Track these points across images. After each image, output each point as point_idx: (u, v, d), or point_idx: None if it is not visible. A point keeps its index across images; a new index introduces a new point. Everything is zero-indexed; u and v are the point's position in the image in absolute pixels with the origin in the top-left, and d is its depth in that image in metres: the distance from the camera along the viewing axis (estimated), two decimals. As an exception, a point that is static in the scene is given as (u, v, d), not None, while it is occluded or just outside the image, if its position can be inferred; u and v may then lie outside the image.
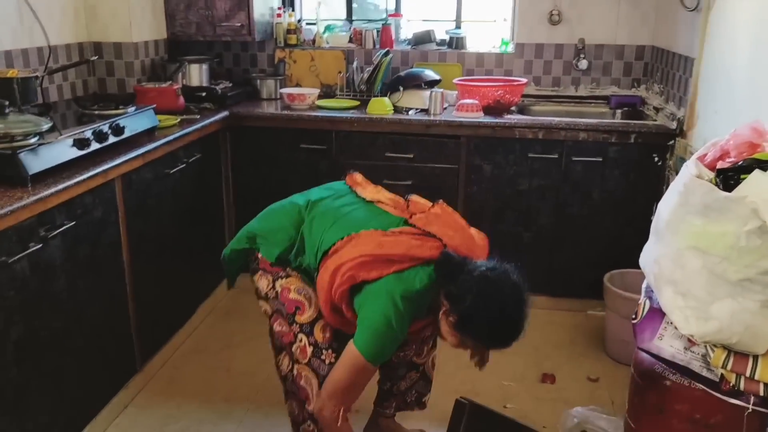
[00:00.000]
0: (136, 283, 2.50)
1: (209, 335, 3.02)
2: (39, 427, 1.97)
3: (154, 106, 2.72)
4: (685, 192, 1.65)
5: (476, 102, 3.16)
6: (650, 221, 3.08)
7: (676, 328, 1.70)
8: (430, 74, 3.39)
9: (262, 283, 2.01)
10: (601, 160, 3.05)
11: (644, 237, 3.11)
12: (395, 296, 1.73)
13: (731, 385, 1.62)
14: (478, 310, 1.72)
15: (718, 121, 2.51)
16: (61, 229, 2.02)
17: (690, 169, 1.66)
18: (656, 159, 3.01)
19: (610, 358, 2.87)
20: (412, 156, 3.16)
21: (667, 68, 3.20)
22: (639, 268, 2.86)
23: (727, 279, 1.55)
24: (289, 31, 3.66)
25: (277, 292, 1.97)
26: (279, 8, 3.67)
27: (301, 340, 1.92)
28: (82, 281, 2.16)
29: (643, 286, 1.91)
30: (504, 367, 2.79)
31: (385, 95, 3.32)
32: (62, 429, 2.08)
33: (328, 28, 3.79)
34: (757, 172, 1.53)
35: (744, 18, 2.32)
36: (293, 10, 3.78)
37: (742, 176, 1.55)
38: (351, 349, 1.76)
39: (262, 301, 2.05)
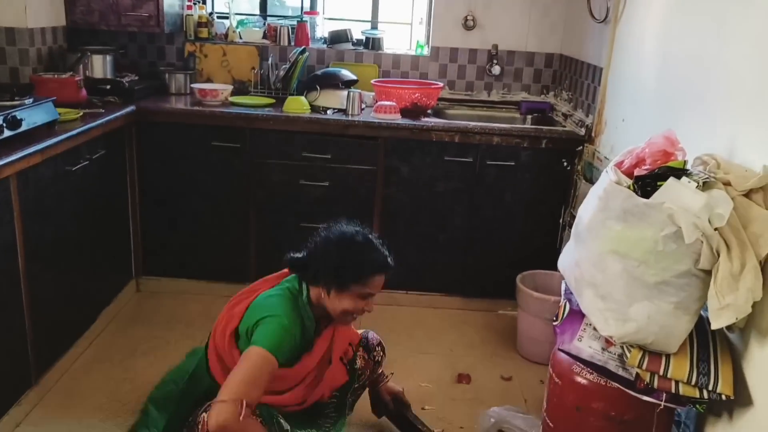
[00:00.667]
0: (33, 289, 2.31)
1: (112, 343, 2.84)
2: None
3: (54, 98, 2.53)
4: (605, 197, 1.70)
5: (394, 104, 3.15)
6: (558, 224, 3.23)
7: (595, 329, 1.76)
8: (347, 74, 3.36)
9: None
10: (513, 164, 3.12)
11: (553, 239, 3.25)
12: (269, 296, 1.89)
13: (645, 383, 1.70)
14: (338, 256, 1.88)
15: (626, 128, 2.63)
16: (-52, 232, 1.83)
17: (609, 175, 1.72)
18: (565, 164, 3.12)
19: (521, 356, 2.95)
20: (329, 156, 3.12)
21: (576, 76, 3.33)
22: (549, 269, 2.97)
23: (644, 282, 1.61)
24: (200, 24, 3.52)
25: None
26: (189, 0, 3.52)
27: None
28: (-29, 288, 1.97)
29: (563, 288, 1.96)
30: (420, 368, 2.80)
31: (301, 94, 3.25)
32: (-52, 451, 1.89)
33: (241, 23, 3.67)
34: (671, 180, 1.60)
35: (651, 31, 2.44)
36: (204, 3, 3.63)
37: (658, 183, 1.62)
38: (248, 349, 1.77)
39: None
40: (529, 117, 3.54)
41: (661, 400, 1.71)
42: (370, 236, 1.99)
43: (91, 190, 2.71)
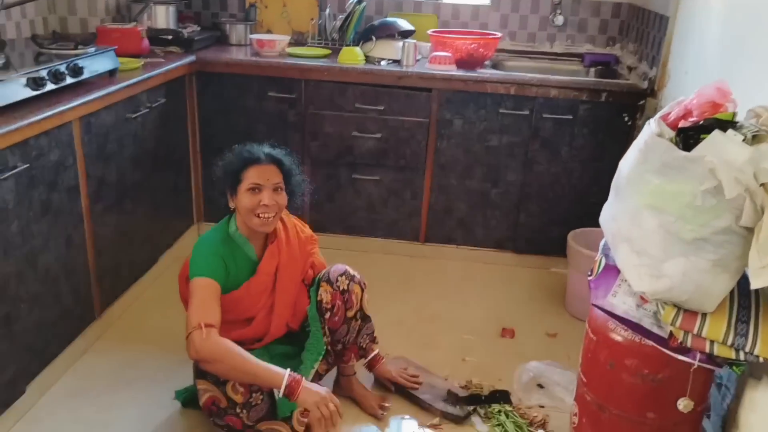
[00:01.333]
0: (96, 229, 2.46)
1: (171, 284, 2.96)
2: (-9, 371, 1.95)
3: (116, 47, 2.63)
4: (645, 150, 1.64)
5: (449, 55, 3.11)
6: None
7: (629, 285, 1.72)
8: (404, 24, 3.32)
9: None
10: (571, 117, 3.04)
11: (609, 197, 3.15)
12: (204, 234, 2.09)
13: (679, 341, 1.66)
14: (220, 167, 2.06)
15: (688, 81, 2.51)
16: (13, 172, 1.96)
17: (651, 127, 1.65)
18: (626, 119, 3.01)
19: (569, 314, 2.92)
20: (382, 108, 3.12)
21: (643, 27, 3.17)
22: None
23: (681, 238, 1.56)
24: (260, -25, 3.55)
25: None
26: (250, -50, 3.54)
27: (242, 411, 1.90)
28: (36, 226, 2.11)
29: (601, 243, 1.92)
30: (465, 321, 2.82)
31: (357, 45, 3.25)
32: (14, 375, 2.06)
33: (300, -27, 3.67)
34: (716, 133, 1.53)
35: (718, -23, 2.29)
36: (265, -47, 3.65)
37: (702, 136, 1.55)
38: (189, 284, 1.91)
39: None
40: (593, 70, 3.41)
41: (695, 360, 1.66)
42: (250, 144, 2.06)
43: (151, 137, 2.83)
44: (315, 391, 1.82)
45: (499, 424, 2.19)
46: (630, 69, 3.20)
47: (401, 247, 3.37)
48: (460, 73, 3.05)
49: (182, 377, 2.30)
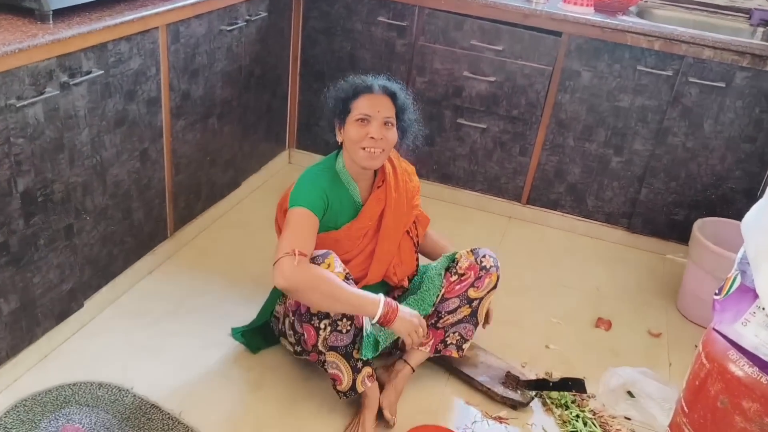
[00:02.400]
0: (175, 146, 2.34)
1: (252, 211, 2.87)
2: (46, 282, 1.88)
3: (218, -50, 2.42)
4: (825, 150, 1.25)
5: (588, -5, 2.68)
6: (767, 170, 2.65)
7: None
8: (541, -46, 2.89)
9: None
10: (723, 85, 2.56)
11: (754, 186, 2.68)
12: (310, 167, 1.94)
13: (822, 399, 1.31)
14: (331, 94, 1.92)
15: None
16: (86, 77, 1.83)
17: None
18: (793, 95, 2.50)
19: (680, 313, 2.54)
20: (501, 48, 2.76)
21: (837, -17, 2.58)
22: (737, 218, 2.47)
23: None
24: None
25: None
26: None
27: (325, 328, 1.75)
28: (108, 136, 2.00)
29: (738, 255, 1.55)
30: (556, 302, 2.52)
31: (484, -27, 2.87)
32: (74, 288, 2.00)
33: None
34: None
35: None
36: None
37: None
38: (287, 214, 1.80)
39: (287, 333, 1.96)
40: (760, 30, 2.86)
41: (840, 423, 1.31)
42: (367, 74, 1.94)
43: (247, 53, 2.64)
44: (408, 320, 1.75)
45: (574, 431, 1.92)
46: (810, 34, 2.64)
47: (500, 205, 3.06)
48: (598, 18, 2.62)
49: (246, 314, 2.18)
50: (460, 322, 2.00)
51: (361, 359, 1.79)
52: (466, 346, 2.02)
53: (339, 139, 1.89)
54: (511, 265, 2.71)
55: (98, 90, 1.91)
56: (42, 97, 1.70)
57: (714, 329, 1.49)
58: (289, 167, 3.27)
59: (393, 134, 1.84)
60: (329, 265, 1.74)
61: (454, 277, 1.99)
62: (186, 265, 2.46)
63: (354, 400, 1.88)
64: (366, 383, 1.81)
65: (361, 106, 1.81)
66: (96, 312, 2.14)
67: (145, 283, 2.33)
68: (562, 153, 2.88)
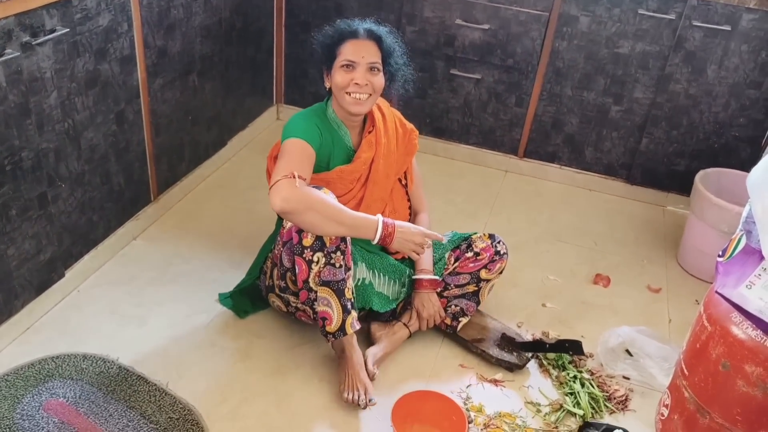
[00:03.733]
0: (154, 106, 2.23)
1: (240, 170, 2.78)
2: (22, 254, 1.81)
3: None
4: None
5: (586, -66, 2.52)
6: (773, 117, 2.54)
7: (774, 279, 1.30)
8: None
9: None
10: (728, 29, 2.43)
11: (759, 135, 2.58)
12: (295, 114, 1.84)
13: (829, 365, 1.25)
14: (318, 39, 1.82)
15: None
16: (49, 36, 1.72)
17: None
18: (802, 37, 2.37)
19: (680, 267, 2.48)
20: (494, -6, 2.62)
21: None
22: (740, 169, 2.39)
23: None
24: None
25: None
26: None
27: (318, 261, 1.70)
28: (81, 98, 1.89)
29: (744, 214, 1.47)
30: (553, 258, 2.45)
31: None
32: (53, 257, 1.93)
33: None
34: None
35: None
36: None
37: None
38: (281, 146, 1.74)
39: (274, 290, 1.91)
40: (769, -32, 2.71)
41: None
42: (354, 19, 1.86)
43: (227, 5, 2.51)
44: (410, 235, 1.71)
45: (571, 393, 1.88)
46: (821, -29, 2.50)
47: (496, 159, 2.97)
48: (597, -42, 2.48)
49: (234, 279, 2.11)
50: (464, 296, 2.00)
51: (351, 301, 1.74)
52: (463, 319, 2.00)
53: (327, 84, 1.83)
54: (506, 220, 2.65)
55: (65, 49, 1.79)
56: (1, 59, 1.59)
57: (717, 293, 1.43)
58: (277, 123, 3.17)
59: (379, 79, 1.78)
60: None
61: (470, 254, 1.99)
62: (172, 229, 2.38)
63: (339, 352, 1.82)
64: (355, 325, 1.75)
65: (345, 51, 1.75)
66: (78, 281, 2.07)
67: (129, 249, 2.26)
68: (560, 103, 2.77)
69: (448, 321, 1.99)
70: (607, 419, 1.82)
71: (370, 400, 1.76)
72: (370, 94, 1.77)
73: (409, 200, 2.05)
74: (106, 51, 1.95)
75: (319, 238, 1.67)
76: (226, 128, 2.77)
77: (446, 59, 2.81)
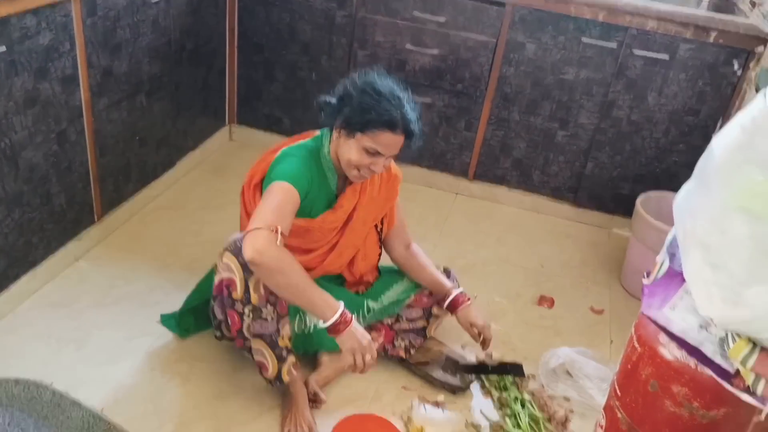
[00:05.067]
0: (98, 126, 2.21)
1: (190, 191, 2.76)
2: (-47, 275, 1.77)
3: None
4: (751, 130, 1.20)
5: (531, -36, 2.59)
6: (710, 141, 2.63)
7: (694, 300, 1.34)
8: None
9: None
10: (667, 58, 2.52)
11: (697, 160, 2.66)
12: (290, 147, 1.79)
13: (746, 385, 1.28)
14: (352, 97, 1.69)
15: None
16: (-15, 55, 1.70)
17: (767, 100, 1.20)
18: (735, 67, 2.47)
19: (624, 289, 2.53)
20: (443, 20, 2.67)
21: (780, -48, 2.54)
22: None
23: (777, 259, 1.15)
24: None
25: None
26: None
27: (249, 315, 1.68)
28: (18, 118, 1.87)
29: (668, 238, 1.51)
30: (500, 280, 2.48)
31: (426, -60, 2.76)
32: (-10, 277, 1.89)
33: None
34: None
35: None
36: None
37: (838, 124, 1.10)
38: (267, 188, 1.68)
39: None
40: (706, 1, 2.82)
41: (765, 407, 1.29)
42: (396, 91, 1.72)
43: (177, 27, 2.51)
44: (358, 338, 1.62)
45: (513, 415, 1.89)
46: (754, 5, 2.60)
47: (447, 181, 3.00)
48: (541, -13, 2.55)
49: (177, 302, 2.08)
50: (412, 331, 2.01)
51: (287, 348, 1.73)
52: (412, 351, 2.01)
53: (335, 136, 1.75)
54: (456, 241, 2.68)
55: (1, 68, 1.77)
56: (-67, 77, 1.57)
57: (643, 313, 1.46)
58: (230, 144, 3.16)
59: (390, 162, 1.80)
60: None
61: (426, 290, 2.02)
62: (116, 251, 2.35)
63: (282, 391, 1.81)
64: (292, 372, 1.75)
65: (378, 140, 1.67)
66: (14, 304, 2.02)
67: (70, 271, 2.21)
68: (508, 127, 2.82)
69: (402, 354, 2.00)
70: (547, 440, 1.84)
71: None
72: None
73: (380, 246, 2.04)
74: (47, 70, 1.93)
75: (246, 292, 1.65)
76: (176, 149, 2.75)
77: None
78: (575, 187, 2.87)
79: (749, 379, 1.26)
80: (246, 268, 1.63)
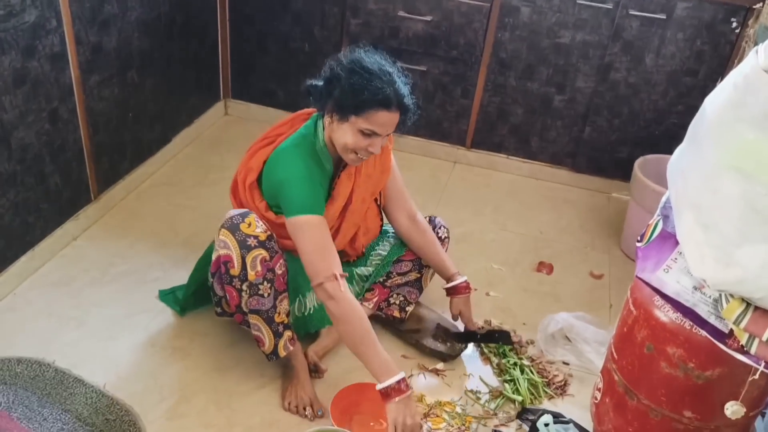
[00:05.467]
0: (90, 104, 2.20)
1: (186, 167, 2.75)
2: (-50, 257, 1.78)
3: None
4: (744, 88, 1.19)
5: (524, -76, 2.54)
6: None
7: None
8: None
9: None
10: (664, 17, 2.48)
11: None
12: (285, 150, 1.71)
13: (740, 344, 1.28)
14: (342, 78, 1.61)
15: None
16: (-30, 34, 1.68)
17: (759, 57, 1.18)
18: (734, 25, 2.42)
19: (623, 252, 2.53)
20: (436, -15, 2.63)
21: None
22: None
23: (769, 218, 1.14)
24: None
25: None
26: None
27: (246, 290, 1.68)
28: (8, 97, 1.86)
29: (662, 199, 1.51)
30: (498, 247, 2.48)
31: None
32: (-12, 258, 1.90)
33: None
34: None
35: None
36: None
37: (830, 79, 1.08)
38: (290, 222, 1.66)
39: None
40: (704, -43, 2.76)
41: (760, 366, 1.29)
42: (386, 67, 1.65)
43: (166, 0, 2.47)
44: (408, 414, 1.58)
45: (511, 380, 1.90)
46: (753, -40, 2.55)
47: (444, 150, 2.99)
48: (535, -51, 2.50)
49: (176, 278, 2.10)
50: (406, 284, 2.01)
51: (283, 323, 1.74)
52: (409, 308, 2.01)
53: (327, 121, 1.68)
54: (454, 210, 2.67)
55: (-13, 48, 1.76)
56: None
57: (638, 277, 1.46)
58: (225, 119, 3.14)
59: (387, 140, 1.75)
60: (249, 225, 1.66)
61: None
62: (113, 229, 2.35)
63: (283, 363, 1.83)
64: (288, 347, 1.76)
65: (372, 120, 1.61)
66: (14, 284, 2.03)
67: (69, 250, 2.22)
68: (504, 93, 2.79)
69: (396, 314, 2.00)
70: (546, 404, 1.86)
71: (318, 412, 1.75)
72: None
73: (381, 217, 2.01)
74: (35, 48, 1.91)
75: (244, 269, 1.65)
76: (171, 125, 2.73)
77: (391, 51, 2.74)
78: (573, 152, 2.84)
79: (743, 339, 1.26)
80: (243, 245, 1.64)
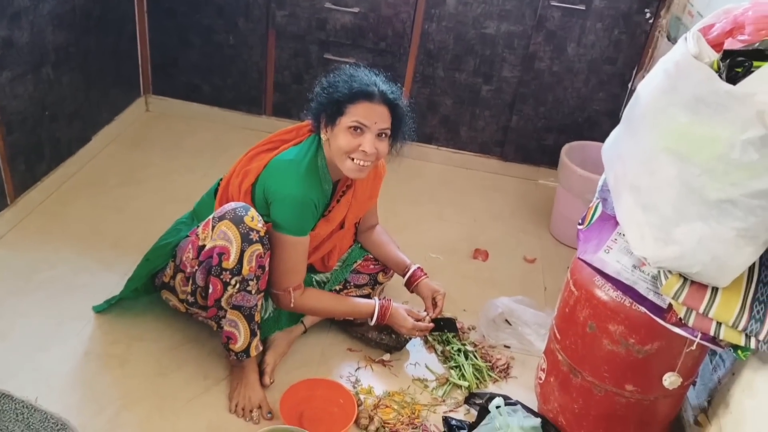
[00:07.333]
0: (2, 101, 2.07)
1: (109, 166, 2.63)
2: None
3: None
4: (674, 74, 1.25)
5: None
6: (627, 89, 2.72)
7: (628, 243, 1.39)
8: None
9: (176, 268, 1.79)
10: (583, 8, 2.57)
11: (617, 107, 2.76)
12: (287, 160, 1.70)
13: (679, 318, 1.35)
14: (325, 87, 1.68)
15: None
16: None
17: (688, 44, 1.24)
18: (647, 15, 2.54)
19: (553, 237, 2.61)
20: (362, -23, 2.62)
21: None
22: (602, 141, 2.54)
23: (704, 197, 1.21)
24: None
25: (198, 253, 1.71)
26: None
27: (234, 285, 1.64)
28: None
29: (600, 182, 1.56)
30: (434, 236, 2.51)
31: None
32: None
33: None
34: (776, 61, 1.13)
35: None
36: None
37: (755, 64, 1.15)
38: (274, 235, 1.68)
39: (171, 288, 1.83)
40: (617, -50, 2.88)
41: (696, 337, 1.37)
42: (366, 70, 1.70)
43: (79, -8, 2.35)
44: (400, 322, 1.88)
45: (456, 366, 1.93)
46: (662, -47, 2.68)
47: (375, 142, 2.98)
48: (459, -60, 2.53)
49: (106, 284, 2.01)
50: (359, 297, 2.00)
51: (258, 323, 1.72)
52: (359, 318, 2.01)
53: (323, 136, 1.68)
54: (387, 202, 2.65)
55: None
56: None
57: (579, 259, 1.51)
58: (147, 115, 3.02)
59: (385, 146, 1.69)
60: (252, 218, 1.62)
61: (372, 256, 2.04)
62: (34, 234, 2.22)
63: (231, 363, 1.78)
64: (258, 347, 1.74)
65: (357, 112, 1.61)
66: (-74, 298, 1.89)
67: (-14, 258, 2.08)
68: (433, 84, 2.82)
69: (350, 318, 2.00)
70: (491, 388, 1.90)
71: (267, 415, 1.72)
72: (373, 162, 1.68)
73: (355, 238, 2.04)
74: (-60, 43, 1.78)
75: (239, 262, 1.61)
76: (90, 123, 2.61)
77: (320, 43, 2.78)
78: (502, 140, 2.91)
79: (681, 312, 1.32)
80: (246, 239, 1.60)
